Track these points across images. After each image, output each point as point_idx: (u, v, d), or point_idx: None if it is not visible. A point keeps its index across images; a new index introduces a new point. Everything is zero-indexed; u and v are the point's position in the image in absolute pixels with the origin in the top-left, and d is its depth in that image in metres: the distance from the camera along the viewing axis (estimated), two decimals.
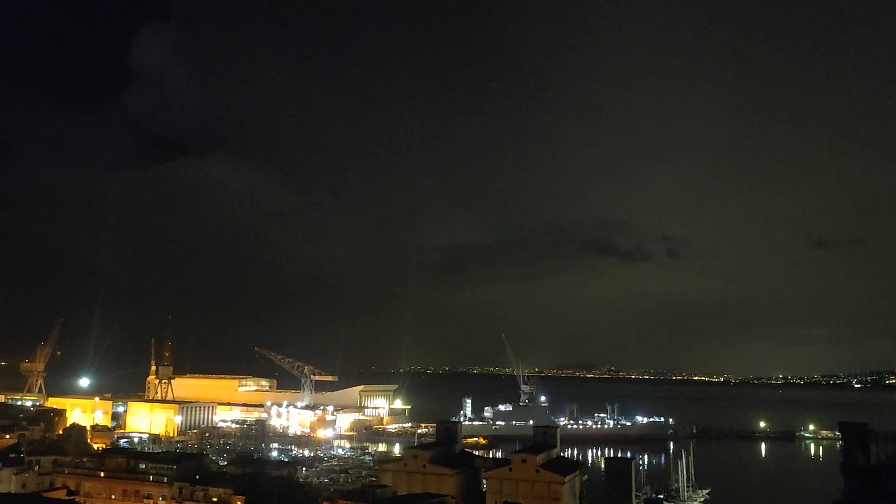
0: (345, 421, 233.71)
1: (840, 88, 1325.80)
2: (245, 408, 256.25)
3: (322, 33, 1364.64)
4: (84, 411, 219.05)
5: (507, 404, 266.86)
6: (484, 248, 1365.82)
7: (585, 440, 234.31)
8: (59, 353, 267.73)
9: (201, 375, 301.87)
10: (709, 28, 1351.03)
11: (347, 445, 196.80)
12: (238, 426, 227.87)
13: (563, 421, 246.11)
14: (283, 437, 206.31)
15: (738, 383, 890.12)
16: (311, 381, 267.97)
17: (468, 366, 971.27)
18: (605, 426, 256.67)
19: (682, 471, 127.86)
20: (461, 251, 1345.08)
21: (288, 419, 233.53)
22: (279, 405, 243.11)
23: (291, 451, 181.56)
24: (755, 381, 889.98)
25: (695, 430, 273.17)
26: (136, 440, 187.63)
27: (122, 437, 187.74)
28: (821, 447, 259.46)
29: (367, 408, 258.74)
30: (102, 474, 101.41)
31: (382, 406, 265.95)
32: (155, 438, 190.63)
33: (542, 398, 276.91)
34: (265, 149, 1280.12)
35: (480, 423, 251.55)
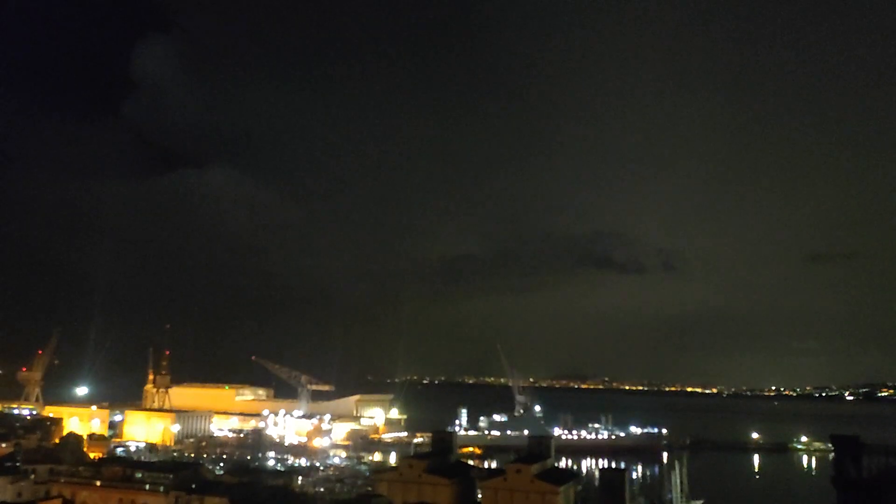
0: (341, 430, 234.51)
1: (837, 101, 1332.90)
2: (242, 417, 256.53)
3: (322, 45, 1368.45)
4: (81, 420, 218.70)
5: (502, 415, 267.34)
6: (480, 259, 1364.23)
7: (580, 450, 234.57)
8: (56, 361, 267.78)
9: (198, 384, 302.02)
10: (710, 33, 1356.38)
11: (343, 455, 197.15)
12: (235, 435, 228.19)
13: (557, 431, 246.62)
14: (280, 447, 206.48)
15: (732, 395, 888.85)
16: (307, 390, 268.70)
17: (463, 376, 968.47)
18: (600, 437, 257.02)
19: (675, 481, 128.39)
20: (458, 262, 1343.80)
21: (284, 428, 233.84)
22: (276, 414, 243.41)
23: (288, 460, 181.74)
24: (748, 393, 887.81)
25: (688, 441, 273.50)
26: (132, 449, 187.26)
27: (118, 446, 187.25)
28: (813, 459, 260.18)
29: (363, 417, 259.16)
30: (99, 483, 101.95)
31: (378, 416, 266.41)
32: (151, 447, 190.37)
33: (537, 408, 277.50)
34: (264, 160, 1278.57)
35: (475, 433, 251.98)
